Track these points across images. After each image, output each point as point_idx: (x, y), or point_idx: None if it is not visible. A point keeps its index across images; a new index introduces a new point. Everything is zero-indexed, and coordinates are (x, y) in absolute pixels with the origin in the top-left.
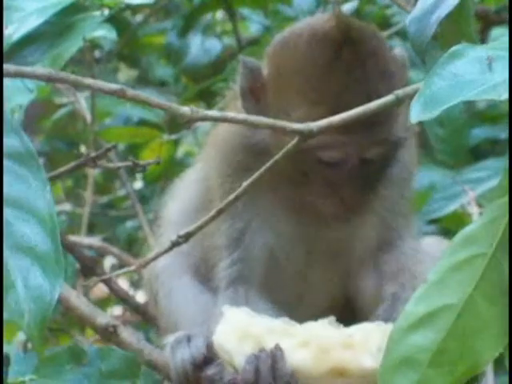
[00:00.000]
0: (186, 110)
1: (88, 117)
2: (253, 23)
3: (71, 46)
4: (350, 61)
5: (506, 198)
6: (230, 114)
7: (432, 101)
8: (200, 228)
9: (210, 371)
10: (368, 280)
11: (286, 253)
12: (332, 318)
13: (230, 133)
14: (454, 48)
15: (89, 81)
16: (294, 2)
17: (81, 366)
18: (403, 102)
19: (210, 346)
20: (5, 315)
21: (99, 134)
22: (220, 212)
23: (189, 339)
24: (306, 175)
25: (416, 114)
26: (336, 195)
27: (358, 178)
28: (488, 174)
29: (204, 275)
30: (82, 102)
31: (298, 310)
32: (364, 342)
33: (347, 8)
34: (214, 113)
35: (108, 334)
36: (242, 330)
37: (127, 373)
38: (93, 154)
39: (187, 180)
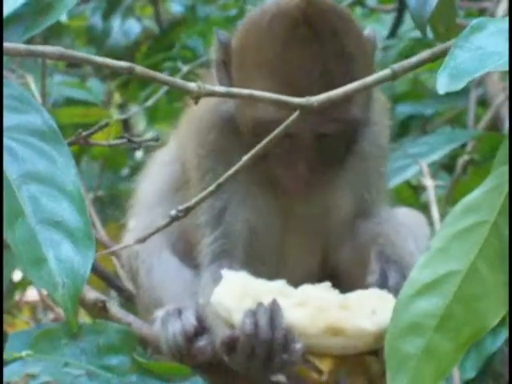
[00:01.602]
0: (193, 86)
1: (38, 98)
2: (174, 4)
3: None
4: (306, 37)
5: (506, 167)
6: (235, 90)
7: (457, 72)
8: (199, 203)
9: (201, 342)
10: (347, 251)
11: (265, 227)
12: (327, 284)
13: (205, 111)
14: (475, 21)
15: (98, 59)
16: None
17: (77, 341)
18: (399, 76)
19: (200, 318)
20: (39, 286)
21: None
22: (219, 187)
23: (179, 312)
24: (267, 148)
25: (443, 85)
26: (294, 168)
27: (314, 151)
28: (426, 149)
29: (182, 252)
30: (32, 84)
31: None
32: (360, 305)
33: None
34: (220, 88)
35: (97, 310)
36: (240, 289)
37: (123, 346)
38: (84, 133)
39: (161, 160)
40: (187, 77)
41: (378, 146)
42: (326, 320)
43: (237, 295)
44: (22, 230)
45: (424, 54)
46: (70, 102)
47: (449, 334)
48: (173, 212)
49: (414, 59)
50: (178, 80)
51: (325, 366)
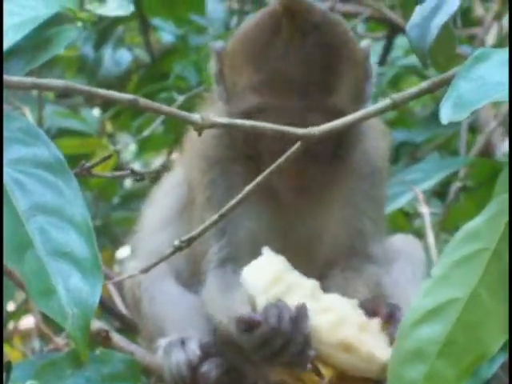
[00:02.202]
0: (196, 117)
1: None
2: (165, 33)
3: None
4: (289, 31)
5: (507, 195)
6: (238, 121)
7: (461, 103)
8: (202, 233)
9: (205, 368)
10: (337, 280)
11: (266, 237)
12: (355, 301)
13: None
14: (478, 51)
15: (103, 91)
16: (206, 12)
17: (81, 371)
18: (400, 106)
19: (203, 347)
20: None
21: None
22: (222, 216)
23: (183, 342)
24: (256, 149)
25: (446, 115)
26: (285, 169)
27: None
28: (419, 176)
29: (186, 279)
30: (28, 113)
31: None
32: (379, 332)
33: None
34: (222, 119)
35: (100, 339)
36: (276, 273)
37: (128, 375)
38: (87, 164)
39: (167, 185)
40: (182, 107)
41: (375, 169)
42: (344, 334)
43: (270, 278)
44: (31, 261)
45: (424, 83)
46: (63, 132)
47: (451, 360)
48: (176, 242)
49: (414, 89)
50: (181, 112)
51: (327, 373)
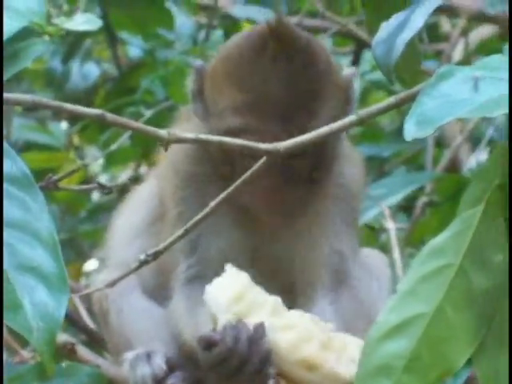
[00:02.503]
0: (163, 132)
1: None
2: (133, 47)
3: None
4: (275, 53)
5: (473, 211)
6: (204, 136)
7: (424, 119)
8: (168, 247)
9: (170, 381)
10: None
11: (236, 256)
12: (317, 317)
13: (180, 146)
14: (442, 69)
15: (70, 106)
16: (174, 26)
17: (47, 383)
18: (365, 121)
19: (169, 361)
20: (15, 329)
21: None
22: (187, 232)
23: (148, 356)
24: (233, 168)
25: (410, 132)
26: (262, 189)
27: (281, 172)
28: (385, 191)
29: (154, 292)
30: None
31: None
32: (341, 349)
33: None
34: (189, 135)
35: (66, 352)
36: (239, 290)
37: None
38: (54, 177)
39: (138, 198)
40: (150, 121)
41: (351, 193)
42: (306, 352)
43: (232, 296)
44: None
45: (390, 99)
46: (31, 145)
47: (416, 375)
48: (142, 256)
49: (380, 105)
50: (148, 127)
51: None
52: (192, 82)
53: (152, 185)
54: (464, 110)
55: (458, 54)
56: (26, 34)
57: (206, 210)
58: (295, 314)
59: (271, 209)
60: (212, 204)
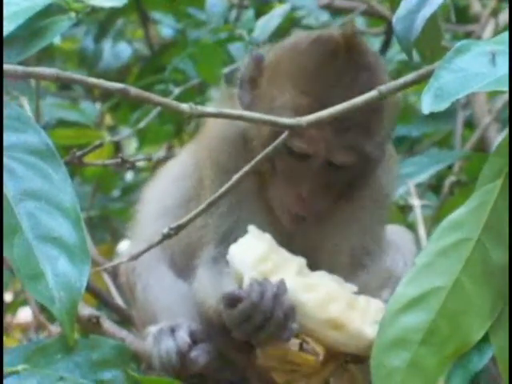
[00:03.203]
0: (185, 106)
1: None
2: (165, 27)
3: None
4: (344, 65)
5: (491, 185)
6: (226, 110)
7: (441, 93)
8: (190, 221)
9: (194, 353)
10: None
11: None
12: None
13: (218, 131)
14: (459, 43)
15: (94, 80)
16: (205, 6)
17: (71, 356)
18: (385, 97)
19: (193, 334)
20: (37, 300)
21: None
22: (210, 205)
23: (172, 330)
24: (274, 164)
25: (427, 105)
26: (297, 189)
27: (320, 177)
28: (414, 169)
29: (180, 267)
30: (26, 105)
31: None
32: (366, 310)
33: (278, 13)
34: (211, 109)
35: (91, 325)
36: (264, 250)
37: (117, 361)
38: (79, 152)
39: (170, 175)
40: (178, 98)
41: (384, 194)
42: (332, 311)
43: (257, 255)
44: (19, 245)
45: (410, 75)
46: (63, 123)
47: (433, 348)
48: (165, 230)
49: (400, 81)
50: (171, 101)
51: (320, 350)
52: (246, 69)
53: (186, 164)
54: (481, 84)
55: (487, 34)
56: (52, 10)
57: (229, 183)
58: (320, 274)
59: (305, 208)
60: (235, 177)
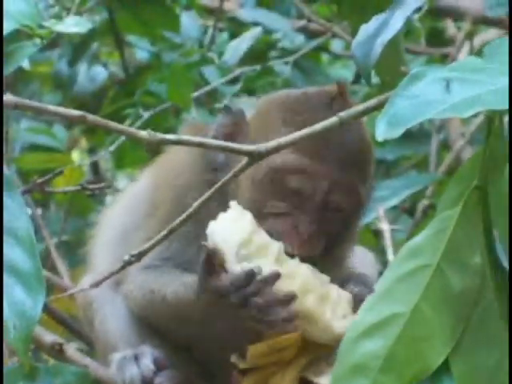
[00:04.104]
0: (143, 133)
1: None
2: (140, 50)
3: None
4: (341, 109)
5: (451, 212)
6: (185, 137)
7: (396, 120)
8: (151, 247)
9: (158, 380)
10: None
11: None
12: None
13: (186, 164)
14: (414, 70)
15: (51, 108)
16: (181, 30)
17: (33, 383)
18: (345, 123)
19: (157, 361)
20: None
21: (13, 160)
22: (171, 231)
23: (136, 357)
24: (267, 198)
25: (381, 132)
26: (294, 225)
27: (318, 214)
28: (388, 193)
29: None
30: None
31: None
32: (337, 302)
33: (249, 36)
34: (170, 136)
35: (54, 352)
36: (248, 233)
37: None
38: (39, 180)
39: (127, 197)
40: (151, 122)
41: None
42: (306, 304)
43: (242, 237)
44: None
45: (371, 101)
46: (37, 147)
47: (393, 374)
48: (126, 257)
49: (360, 106)
50: (128, 128)
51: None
52: (221, 125)
53: (143, 186)
54: (435, 111)
55: (463, 56)
56: (16, 36)
57: (189, 210)
58: (296, 263)
59: (300, 244)
60: (195, 204)
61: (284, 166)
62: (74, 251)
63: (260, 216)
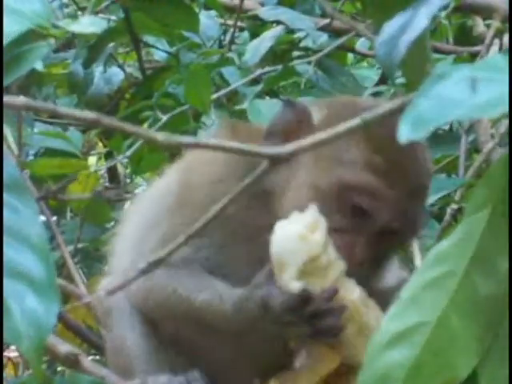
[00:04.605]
0: (159, 136)
1: (15, 149)
2: (158, 51)
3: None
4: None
5: (478, 215)
6: (203, 141)
7: (420, 121)
8: (170, 253)
9: None
10: None
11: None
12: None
13: (226, 165)
14: (439, 69)
15: (64, 110)
16: (200, 29)
17: None
18: (369, 125)
19: None
20: (5, 338)
21: (27, 165)
22: (188, 239)
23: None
24: (327, 210)
25: (405, 134)
26: (351, 245)
27: (376, 238)
28: None
29: None
30: (9, 135)
31: None
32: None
33: (269, 36)
34: (187, 139)
35: (70, 363)
36: (319, 249)
37: None
38: (53, 188)
39: (152, 193)
40: (170, 125)
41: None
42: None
43: (312, 252)
44: None
45: (395, 102)
46: (52, 152)
47: None
48: (141, 265)
49: (384, 108)
50: (144, 131)
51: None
52: (283, 119)
53: (171, 180)
54: (461, 111)
55: (492, 55)
56: (30, 37)
57: (209, 214)
58: (351, 287)
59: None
60: (217, 207)
61: (357, 185)
62: (91, 259)
63: None
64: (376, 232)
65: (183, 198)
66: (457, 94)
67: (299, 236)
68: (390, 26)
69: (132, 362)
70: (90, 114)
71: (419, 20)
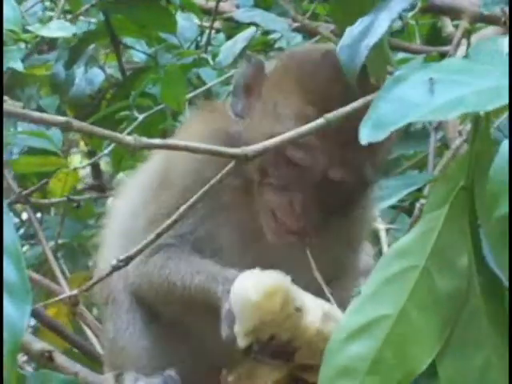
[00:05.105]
0: (129, 139)
1: None
2: (137, 52)
3: None
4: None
5: (437, 212)
6: (172, 141)
7: (380, 123)
8: (140, 251)
9: None
10: None
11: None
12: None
13: (205, 136)
14: (398, 72)
15: (36, 114)
16: (178, 31)
17: None
18: (333, 124)
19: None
20: None
21: (9, 163)
22: (160, 235)
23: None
24: (266, 173)
25: (365, 135)
26: (289, 203)
27: (315, 194)
28: (387, 192)
29: None
30: None
31: None
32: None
33: (243, 37)
34: (156, 141)
35: (43, 360)
36: (277, 305)
37: None
38: (24, 191)
39: (135, 184)
40: (147, 125)
41: (368, 212)
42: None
43: (267, 309)
44: None
45: (357, 102)
46: (33, 150)
47: (380, 377)
48: (113, 262)
49: (347, 107)
50: (114, 134)
51: None
52: (242, 75)
53: (154, 170)
54: (419, 113)
55: (460, 55)
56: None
57: (180, 210)
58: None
59: (287, 228)
60: (190, 201)
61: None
62: (74, 254)
63: (260, 185)
64: (317, 185)
65: (168, 179)
66: (415, 97)
67: (253, 305)
68: (352, 30)
69: (124, 357)
70: (60, 118)
71: (380, 24)
